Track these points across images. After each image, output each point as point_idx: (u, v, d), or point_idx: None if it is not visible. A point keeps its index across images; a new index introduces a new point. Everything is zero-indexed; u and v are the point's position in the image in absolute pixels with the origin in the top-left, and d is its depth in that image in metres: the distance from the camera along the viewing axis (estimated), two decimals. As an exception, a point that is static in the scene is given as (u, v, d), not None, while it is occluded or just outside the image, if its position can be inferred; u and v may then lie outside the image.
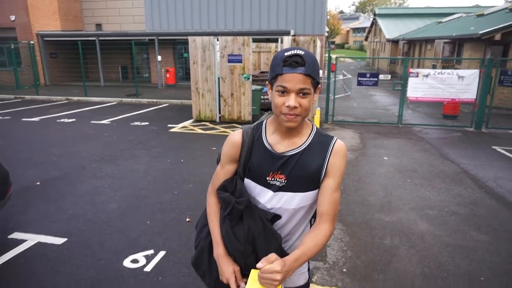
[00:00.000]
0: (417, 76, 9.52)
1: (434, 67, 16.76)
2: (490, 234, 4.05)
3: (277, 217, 1.40)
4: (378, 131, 9.35)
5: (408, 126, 10.03)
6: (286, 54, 1.26)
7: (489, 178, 5.86)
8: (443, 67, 15.55)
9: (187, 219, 4.23)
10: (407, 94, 9.71)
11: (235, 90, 9.69)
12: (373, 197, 5.03)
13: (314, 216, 1.48)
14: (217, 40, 9.53)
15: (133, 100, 14.04)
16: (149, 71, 20.83)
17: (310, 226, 1.50)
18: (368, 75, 10.24)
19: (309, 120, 1.48)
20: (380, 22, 33.63)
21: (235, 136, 1.46)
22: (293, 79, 1.25)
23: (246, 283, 1.34)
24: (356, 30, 75.75)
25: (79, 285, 3.01)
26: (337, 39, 75.65)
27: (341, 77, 18.10)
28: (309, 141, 1.40)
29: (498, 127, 9.60)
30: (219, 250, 1.43)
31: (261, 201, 1.42)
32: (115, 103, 13.77)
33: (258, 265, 1.17)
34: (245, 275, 1.40)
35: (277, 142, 1.41)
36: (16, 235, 3.81)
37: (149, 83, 20.13)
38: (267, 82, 1.38)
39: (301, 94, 1.27)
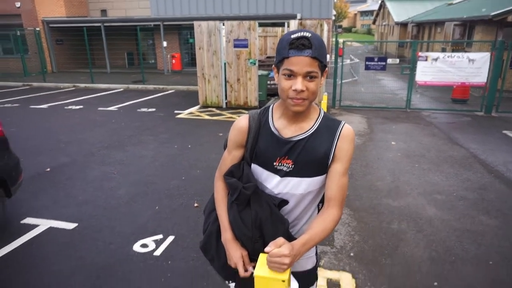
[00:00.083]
0: (426, 60, 9.34)
1: (443, 50, 16.47)
2: (499, 218, 4.03)
3: (284, 202, 1.40)
4: (386, 116, 9.25)
5: (416, 110, 9.91)
6: (292, 36, 1.23)
7: (498, 163, 5.80)
8: (453, 50, 15.22)
9: (195, 205, 4.27)
10: (416, 78, 9.56)
11: (241, 75, 9.62)
12: (381, 182, 5.01)
13: (322, 201, 1.47)
14: (223, 24, 9.42)
15: (140, 86, 14.04)
16: (155, 57, 20.75)
17: (318, 211, 1.50)
18: (376, 59, 10.08)
19: (316, 104, 1.46)
20: (389, 4, 32.92)
21: (242, 121, 1.45)
22: (300, 62, 1.22)
23: (254, 267, 1.35)
24: (363, 13, 74.34)
25: (90, 269, 3.08)
26: (344, 23, 74.34)
27: (348, 61, 17.86)
28: (317, 125, 1.38)
29: (509, 111, 9.41)
30: (227, 235, 1.44)
31: (268, 187, 1.42)
32: (121, 89, 13.79)
33: (266, 249, 1.17)
34: (253, 259, 1.41)
35: (284, 127, 1.39)
36: (28, 220, 3.89)
37: (155, 69, 20.08)
38: (273, 65, 1.36)
39: (308, 78, 1.25)
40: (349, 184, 4.51)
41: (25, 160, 5.63)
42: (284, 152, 1.36)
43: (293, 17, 15.94)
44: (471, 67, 9.10)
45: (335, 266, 3.17)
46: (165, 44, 17.77)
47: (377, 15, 42.28)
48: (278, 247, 1.16)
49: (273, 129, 1.40)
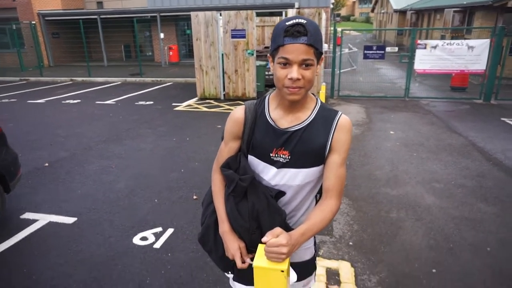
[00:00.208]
0: (425, 48, 9.28)
1: (443, 37, 16.35)
2: (498, 205, 4.04)
3: (281, 193, 1.40)
4: (384, 105, 9.23)
5: (415, 99, 9.88)
6: (287, 23, 1.20)
7: (497, 150, 5.80)
8: (452, 38, 15.11)
9: (194, 197, 4.27)
10: (415, 66, 9.51)
11: (239, 66, 9.56)
12: (379, 172, 5.01)
13: (320, 192, 1.47)
14: (220, 15, 9.33)
15: (137, 79, 13.97)
16: (152, 49, 20.62)
17: (316, 202, 1.49)
18: (374, 48, 10.02)
19: (313, 94, 1.44)
20: (387, -8, 32.59)
21: (238, 112, 1.43)
22: (295, 49, 1.20)
23: (251, 258, 1.35)
24: (362, 1, 73.69)
25: (91, 262, 3.09)
26: (343, 11, 73.75)
27: (346, 50, 17.74)
28: (313, 116, 1.36)
29: (508, 98, 9.39)
30: (224, 227, 1.44)
31: (265, 178, 1.41)
32: (119, 82, 13.71)
33: (264, 239, 1.17)
34: (250, 251, 1.41)
35: (280, 117, 1.37)
36: (28, 215, 3.89)
37: (152, 61, 19.96)
38: (268, 54, 1.34)
39: (304, 66, 1.22)
40: (347, 174, 4.50)
41: (23, 155, 5.62)
42: (281, 143, 1.35)
43: (291, 6, 15.78)
44: (470, 54, 9.05)
45: (334, 255, 3.18)
46: (162, 36, 17.63)
47: (376, 2, 41.92)
48: (275, 236, 1.16)
49: (269, 119, 1.38)
